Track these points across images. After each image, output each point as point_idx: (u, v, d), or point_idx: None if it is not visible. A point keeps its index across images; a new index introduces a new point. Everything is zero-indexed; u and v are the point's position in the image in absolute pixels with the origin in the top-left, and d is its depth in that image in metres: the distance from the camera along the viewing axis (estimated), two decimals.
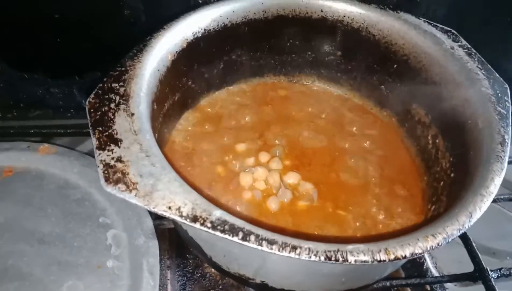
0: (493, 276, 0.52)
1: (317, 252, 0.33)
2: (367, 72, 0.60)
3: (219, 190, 0.50)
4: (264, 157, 0.54)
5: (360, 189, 0.52)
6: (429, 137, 0.55)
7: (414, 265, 0.60)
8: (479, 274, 0.53)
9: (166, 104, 0.52)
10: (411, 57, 0.55)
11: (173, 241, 0.60)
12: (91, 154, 0.61)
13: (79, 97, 0.73)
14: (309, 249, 0.33)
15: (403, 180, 0.54)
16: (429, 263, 0.58)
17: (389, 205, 0.51)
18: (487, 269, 0.53)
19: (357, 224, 0.48)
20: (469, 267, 0.54)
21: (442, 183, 0.50)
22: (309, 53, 0.62)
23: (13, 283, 0.47)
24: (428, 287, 0.58)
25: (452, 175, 0.49)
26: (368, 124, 0.60)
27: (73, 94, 0.72)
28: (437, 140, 0.53)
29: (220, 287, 0.58)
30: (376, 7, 0.56)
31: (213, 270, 0.59)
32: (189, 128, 0.58)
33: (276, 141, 0.56)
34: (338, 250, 0.34)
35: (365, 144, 0.57)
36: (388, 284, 0.52)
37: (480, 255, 0.54)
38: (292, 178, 0.52)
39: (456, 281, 0.55)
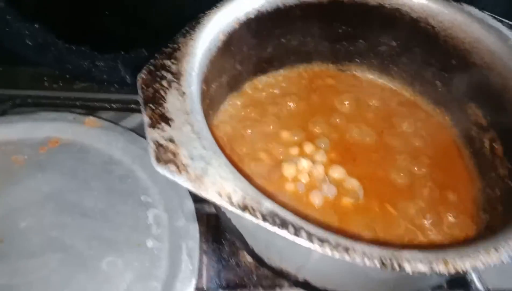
0: None
1: (372, 256, 0.32)
2: (422, 66, 0.57)
3: (260, 178, 0.49)
4: (308, 147, 0.52)
5: (408, 190, 0.50)
6: (485, 141, 0.52)
7: (457, 276, 0.57)
8: None
9: (213, 86, 0.51)
10: (473, 53, 0.52)
11: (211, 225, 0.60)
12: (134, 130, 0.61)
13: (124, 72, 0.73)
14: (364, 252, 0.32)
15: (454, 183, 0.52)
16: (473, 275, 0.55)
17: (438, 209, 0.48)
18: None
19: (405, 226, 0.46)
20: None
21: (498, 191, 0.48)
22: (362, 41, 0.59)
23: (55, 254, 0.47)
24: None
25: (510, 183, 0.46)
26: (419, 121, 0.57)
27: (117, 69, 0.72)
28: (494, 145, 0.50)
29: (255, 277, 0.57)
30: None
31: (249, 259, 0.58)
32: (233, 112, 0.57)
33: (321, 132, 0.54)
34: (394, 256, 0.32)
35: (416, 143, 0.55)
36: None
37: None
38: (337, 173, 0.50)
39: None
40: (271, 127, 0.55)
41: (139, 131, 0.60)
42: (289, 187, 0.49)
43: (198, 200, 0.54)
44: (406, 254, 0.32)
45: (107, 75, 0.72)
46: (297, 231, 0.32)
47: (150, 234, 0.50)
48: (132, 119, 0.67)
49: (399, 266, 0.32)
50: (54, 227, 0.50)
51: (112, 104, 0.67)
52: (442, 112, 0.58)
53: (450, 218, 0.48)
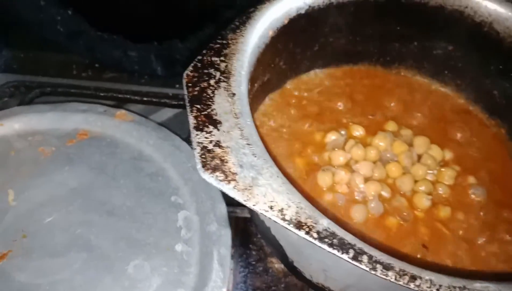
0: None
1: (440, 286, 0.29)
2: (480, 73, 0.53)
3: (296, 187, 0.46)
4: (357, 154, 0.48)
5: (462, 207, 0.46)
6: None
7: None
8: None
9: (256, 85, 0.48)
10: None
11: (239, 228, 0.57)
12: (165, 125, 0.58)
13: (155, 64, 0.70)
14: (431, 281, 0.29)
15: (510, 201, 0.48)
16: None
17: (493, 228, 0.45)
18: None
19: (458, 246, 0.43)
20: None
21: None
22: (416, 44, 0.55)
23: (80, 254, 0.45)
24: None
25: None
26: (472, 131, 0.53)
27: (149, 60, 0.69)
28: None
29: (283, 285, 0.54)
30: (508, 0, 0.48)
31: (277, 265, 0.55)
32: (272, 112, 0.53)
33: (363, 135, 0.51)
34: (464, 288, 0.29)
35: (468, 154, 0.51)
36: None
37: None
38: (384, 190, 0.46)
39: None
40: (311, 128, 0.51)
41: (171, 127, 0.58)
42: (327, 197, 0.45)
43: (231, 203, 0.51)
44: (477, 285, 0.29)
45: (138, 66, 0.69)
46: (358, 255, 0.29)
47: (179, 237, 0.47)
48: (162, 114, 0.64)
49: None
50: (80, 225, 0.47)
51: (144, 97, 0.64)
52: (497, 123, 0.54)
53: (508, 239, 0.44)
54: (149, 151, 0.53)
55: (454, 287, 0.29)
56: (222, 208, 0.49)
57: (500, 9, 0.49)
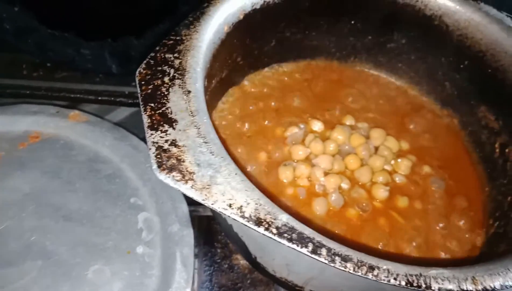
0: None
1: (397, 275, 0.29)
2: (432, 66, 0.55)
3: (258, 181, 0.46)
4: (316, 148, 0.48)
5: (417, 195, 0.47)
6: (497, 146, 0.49)
7: None
8: None
9: (213, 81, 0.47)
10: (488, 55, 0.49)
11: (202, 227, 0.57)
12: (121, 125, 0.56)
13: (110, 62, 0.68)
14: (388, 271, 0.29)
15: (463, 188, 0.50)
16: None
17: (447, 215, 0.47)
18: None
19: (415, 233, 0.44)
20: None
21: (509, 198, 0.46)
22: (370, 38, 0.56)
23: (36, 262, 0.43)
24: None
25: None
26: (426, 122, 0.54)
27: (103, 58, 0.67)
28: (506, 150, 0.48)
29: (248, 281, 0.54)
30: None
31: (241, 262, 0.55)
32: (231, 108, 0.53)
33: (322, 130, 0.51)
34: (420, 275, 0.30)
35: (423, 143, 0.52)
36: None
37: None
38: (343, 182, 0.47)
39: None
40: (270, 123, 0.51)
41: (127, 127, 0.56)
42: (289, 191, 0.46)
43: (192, 202, 0.50)
44: (433, 272, 0.30)
45: (92, 64, 0.67)
46: (317, 249, 0.29)
47: (140, 240, 0.46)
48: (118, 113, 0.62)
49: (426, 285, 0.30)
50: (35, 232, 0.45)
51: (97, 97, 0.62)
52: (450, 114, 0.55)
53: (460, 224, 0.46)
54: (105, 152, 0.52)
55: (411, 275, 0.29)
56: (184, 208, 0.48)
57: (449, 3, 0.50)
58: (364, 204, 0.46)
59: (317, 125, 0.51)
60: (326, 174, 0.47)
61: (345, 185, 0.47)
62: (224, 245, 0.56)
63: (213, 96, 0.50)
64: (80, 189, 0.48)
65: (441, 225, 0.46)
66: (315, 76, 0.58)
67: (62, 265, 0.43)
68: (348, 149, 0.49)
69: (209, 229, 0.57)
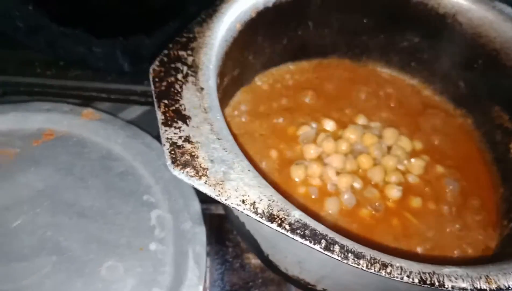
0: None
1: (411, 272, 0.29)
2: (446, 65, 0.54)
3: (269, 181, 0.46)
4: (328, 147, 0.48)
5: (430, 196, 0.47)
6: (511, 146, 0.49)
7: None
8: None
9: (225, 79, 0.48)
10: (502, 53, 0.49)
11: (214, 225, 0.57)
12: (133, 123, 0.57)
13: (122, 60, 0.68)
14: (402, 268, 0.29)
15: (476, 189, 0.49)
16: None
17: (461, 215, 0.46)
18: None
19: (428, 234, 0.44)
20: None
21: None
22: (382, 36, 0.56)
23: (51, 257, 0.43)
24: None
25: None
26: (439, 122, 0.54)
27: (115, 57, 0.67)
28: None
29: (260, 280, 0.54)
30: None
31: (253, 261, 0.55)
32: (243, 107, 0.53)
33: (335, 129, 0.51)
34: (434, 273, 0.29)
35: (437, 144, 0.52)
36: None
37: None
38: (356, 182, 0.47)
39: None
40: (282, 122, 0.51)
41: (140, 125, 0.56)
42: (300, 190, 0.46)
43: (205, 200, 0.50)
44: (446, 270, 0.30)
45: (103, 63, 0.67)
46: (329, 245, 0.29)
47: (153, 237, 0.46)
48: (132, 112, 0.63)
49: (440, 283, 0.29)
50: (49, 228, 0.45)
51: (110, 95, 0.62)
52: (463, 113, 0.55)
53: (473, 225, 0.46)
54: (118, 150, 0.52)
55: (424, 273, 0.29)
56: (196, 205, 0.48)
57: (462, 1, 0.50)
58: (377, 204, 0.45)
59: (329, 125, 0.51)
60: (338, 173, 0.47)
61: (357, 185, 0.46)
62: (236, 243, 0.57)
63: (225, 94, 0.50)
64: (93, 186, 0.49)
65: (454, 225, 0.45)
66: (327, 75, 0.58)
67: (75, 261, 0.44)
68: (360, 148, 0.49)
69: (221, 228, 0.57)
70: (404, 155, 0.49)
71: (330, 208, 0.44)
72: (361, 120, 0.52)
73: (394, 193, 0.46)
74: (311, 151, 0.48)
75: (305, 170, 0.46)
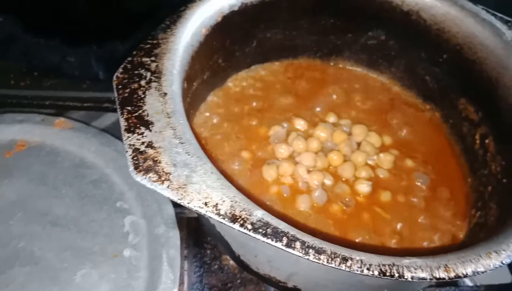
0: None
1: (370, 265, 0.30)
2: (412, 61, 0.55)
3: (244, 180, 0.46)
4: (299, 146, 0.49)
5: (400, 189, 0.48)
6: (477, 137, 0.50)
7: None
8: None
9: (195, 84, 0.48)
10: (465, 48, 0.50)
11: (191, 229, 0.57)
12: (108, 131, 0.57)
13: (96, 68, 0.68)
14: (361, 261, 0.30)
15: (446, 180, 0.50)
16: None
17: (431, 207, 0.47)
18: None
19: (398, 226, 0.45)
20: (505, 278, 0.51)
21: (490, 188, 0.46)
22: (350, 35, 0.57)
23: (24, 268, 0.44)
24: None
25: (504, 180, 0.45)
26: (408, 117, 0.55)
27: (90, 65, 0.68)
28: (486, 141, 0.49)
29: (238, 281, 0.55)
30: None
31: (231, 262, 0.56)
32: (215, 109, 0.53)
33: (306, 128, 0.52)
34: (393, 264, 0.30)
35: (406, 139, 0.53)
36: None
37: None
38: (327, 178, 0.47)
39: None
40: (254, 123, 0.52)
41: (114, 132, 0.56)
42: (272, 189, 0.46)
43: (178, 204, 0.50)
44: (406, 261, 0.31)
45: (78, 71, 0.67)
46: (291, 242, 0.30)
47: (127, 243, 0.47)
48: (106, 119, 0.63)
49: (399, 274, 0.30)
50: (22, 238, 0.46)
51: (84, 103, 0.62)
52: (432, 107, 0.56)
53: (443, 215, 0.47)
54: (91, 158, 0.52)
55: (384, 265, 0.30)
56: (169, 210, 0.49)
57: None
58: (347, 199, 0.46)
59: (300, 124, 0.52)
60: (309, 171, 0.47)
61: (328, 181, 0.47)
62: (214, 246, 0.57)
63: (196, 98, 0.50)
64: (66, 195, 0.49)
65: (424, 217, 0.46)
66: (298, 75, 0.59)
67: (49, 270, 0.44)
68: (331, 146, 0.50)
69: (198, 231, 0.58)
70: (373, 150, 0.50)
71: (302, 205, 0.45)
72: (332, 118, 0.53)
73: (364, 188, 0.46)
74: (282, 150, 0.49)
75: (276, 169, 0.47)
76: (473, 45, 0.49)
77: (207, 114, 0.52)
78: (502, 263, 0.32)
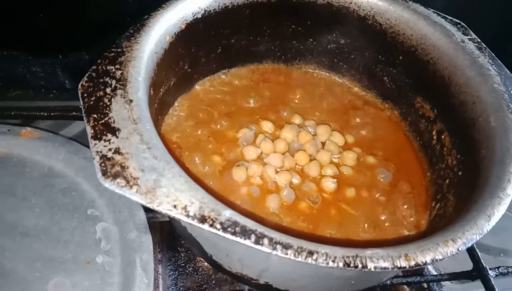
0: (491, 274, 0.52)
1: (335, 257, 0.31)
2: (371, 63, 0.58)
3: (214, 182, 0.48)
4: (266, 148, 0.50)
5: (363, 185, 0.50)
6: (434, 133, 0.53)
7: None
8: (477, 272, 0.52)
9: (161, 90, 0.49)
10: (419, 49, 0.53)
11: (164, 233, 0.58)
12: (76, 139, 0.57)
13: (63, 77, 0.68)
14: (327, 254, 0.31)
15: (406, 175, 0.53)
16: None
17: (393, 200, 0.49)
18: (486, 267, 0.52)
19: (363, 220, 0.47)
20: (466, 265, 0.54)
21: (447, 180, 0.49)
22: (311, 40, 0.59)
23: None
24: (425, 285, 0.57)
25: (460, 173, 0.47)
26: (369, 116, 0.58)
27: (56, 74, 0.68)
28: (442, 136, 0.52)
29: (213, 282, 0.56)
30: None
31: (205, 264, 0.57)
32: (183, 114, 0.54)
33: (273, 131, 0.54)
34: (357, 256, 0.32)
35: (368, 137, 0.55)
36: (388, 282, 0.51)
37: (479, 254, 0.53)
38: (294, 178, 0.49)
39: (454, 279, 0.55)
40: (223, 127, 0.53)
41: (82, 141, 0.57)
42: (242, 190, 0.47)
43: (150, 209, 0.51)
44: (368, 252, 0.32)
45: (44, 81, 0.67)
46: (259, 239, 0.31)
47: (99, 249, 0.47)
48: (74, 128, 0.63)
49: (362, 264, 0.32)
50: None
51: (51, 113, 0.62)
52: (391, 106, 0.59)
53: (405, 208, 0.49)
54: (59, 167, 0.52)
55: (348, 257, 0.31)
56: (141, 215, 0.49)
57: (379, 3, 0.54)
58: (314, 197, 0.48)
59: (267, 126, 0.54)
60: (277, 171, 0.49)
61: (295, 180, 0.49)
62: (188, 248, 0.58)
63: (164, 104, 0.51)
64: (36, 205, 0.49)
65: (387, 211, 0.48)
66: (264, 80, 0.60)
67: (20, 282, 0.44)
68: (297, 146, 0.52)
69: (172, 234, 0.58)
70: (337, 149, 0.52)
71: (271, 204, 0.46)
72: (297, 120, 0.55)
73: (329, 185, 0.48)
74: (250, 152, 0.50)
75: (246, 171, 0.48)
76: (426, 46, 0.52)
77: (176, 119, 0.53)
78: (458, 250, 0.34)
